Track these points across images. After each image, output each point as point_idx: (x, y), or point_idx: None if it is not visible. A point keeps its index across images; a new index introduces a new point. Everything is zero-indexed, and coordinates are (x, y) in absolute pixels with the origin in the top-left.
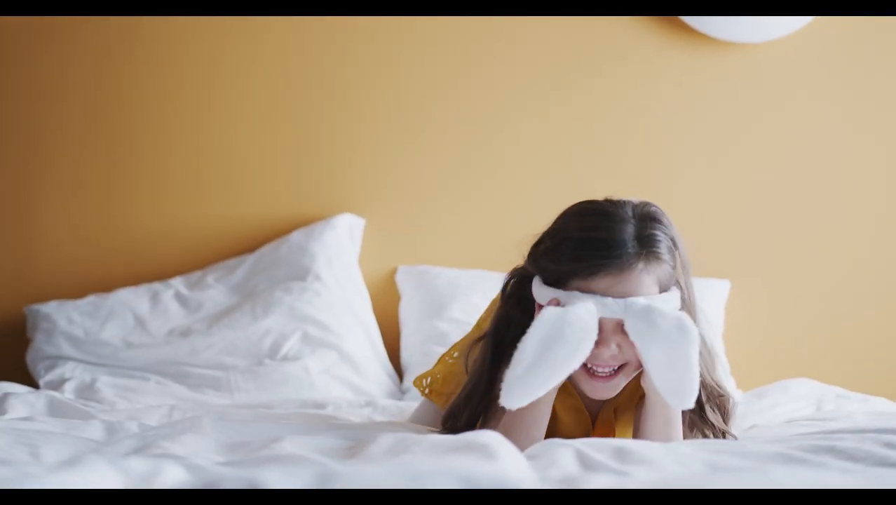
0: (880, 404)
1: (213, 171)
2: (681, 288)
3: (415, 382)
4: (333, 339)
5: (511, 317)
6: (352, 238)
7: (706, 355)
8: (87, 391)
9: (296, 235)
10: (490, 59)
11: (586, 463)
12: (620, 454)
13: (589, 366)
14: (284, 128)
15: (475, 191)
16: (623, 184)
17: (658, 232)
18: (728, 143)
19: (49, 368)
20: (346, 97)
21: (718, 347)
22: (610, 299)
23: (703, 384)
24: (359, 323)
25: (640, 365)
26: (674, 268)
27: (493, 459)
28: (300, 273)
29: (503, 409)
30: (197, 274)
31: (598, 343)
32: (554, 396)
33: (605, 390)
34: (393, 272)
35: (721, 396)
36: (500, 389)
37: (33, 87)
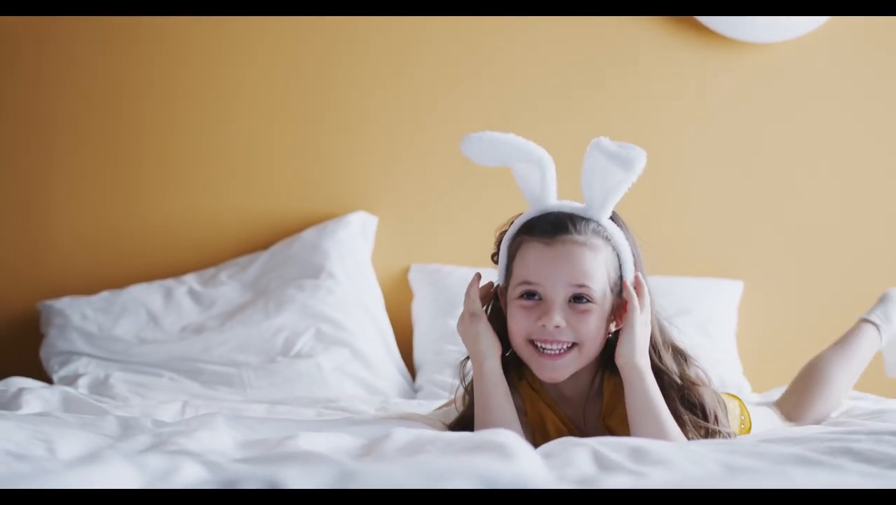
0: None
1: (227, 168)
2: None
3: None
4: (346, 336)
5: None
6: (365, 236)
7: (660, 340)
8: (101, 387)
9: (309, 233)
10: (503, 58)
11: (603, 463)
12: (636, 454)
13: (538, 344)
14: (298, 125)
15: (488, 189)
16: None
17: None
18: (742, 143)
19: (63, 364)
20: (360, 95)
21: (731, 347)
22: None
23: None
24: (371, 321)
25: (596, 351)
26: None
27: (510, 458)
28: (313, 271)
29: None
30: (210, 271)
31: (542, 315)
32: (497, 371)
33: (554, 370)
34: (406, 270)
35: (692, 386)
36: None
37: (43, 86)
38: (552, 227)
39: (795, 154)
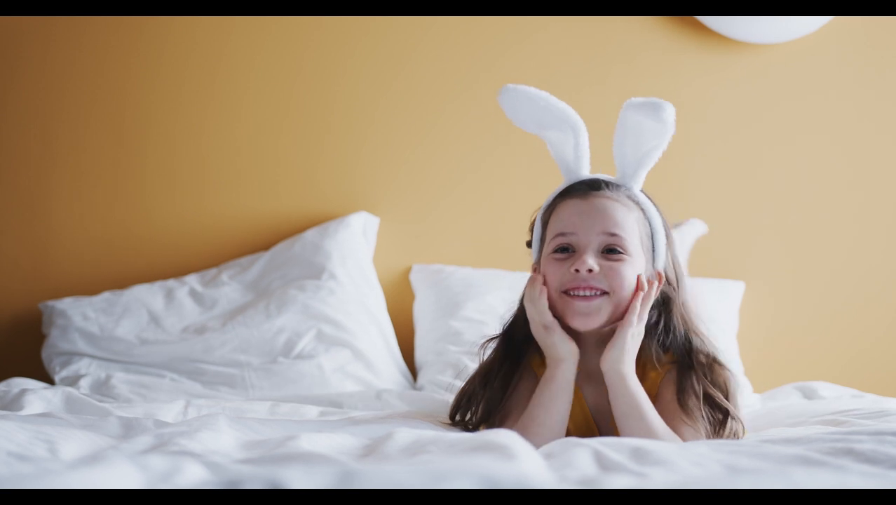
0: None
1: (228, 168)
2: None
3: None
4: (348, 337)
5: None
6: (366, 236)
7: (686, 311)
8: (103, 388)
9: (310, 233)
10: (505, 58)
11: (604, 464)
12: (638, 455)
13: (570, 292)
14: (299, 125)
15: (490, 190)
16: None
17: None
18: (742, 144)
19: (64, 365)
20: (362, 95)
21: (732, 347)
22: None
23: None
24: (373, 321)
25: (624, 305)
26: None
27: (512, 459)
28: (315, 271)
29: (517, 408)
30: (212, 271)
31: (574, 261)
32: (569, 378)
33: (586, 314)
34: (407, 271)
35: (713, 358)
36: (514, 384)
37: (47, 86)
38: (586, 186)
39: (796, 154)
